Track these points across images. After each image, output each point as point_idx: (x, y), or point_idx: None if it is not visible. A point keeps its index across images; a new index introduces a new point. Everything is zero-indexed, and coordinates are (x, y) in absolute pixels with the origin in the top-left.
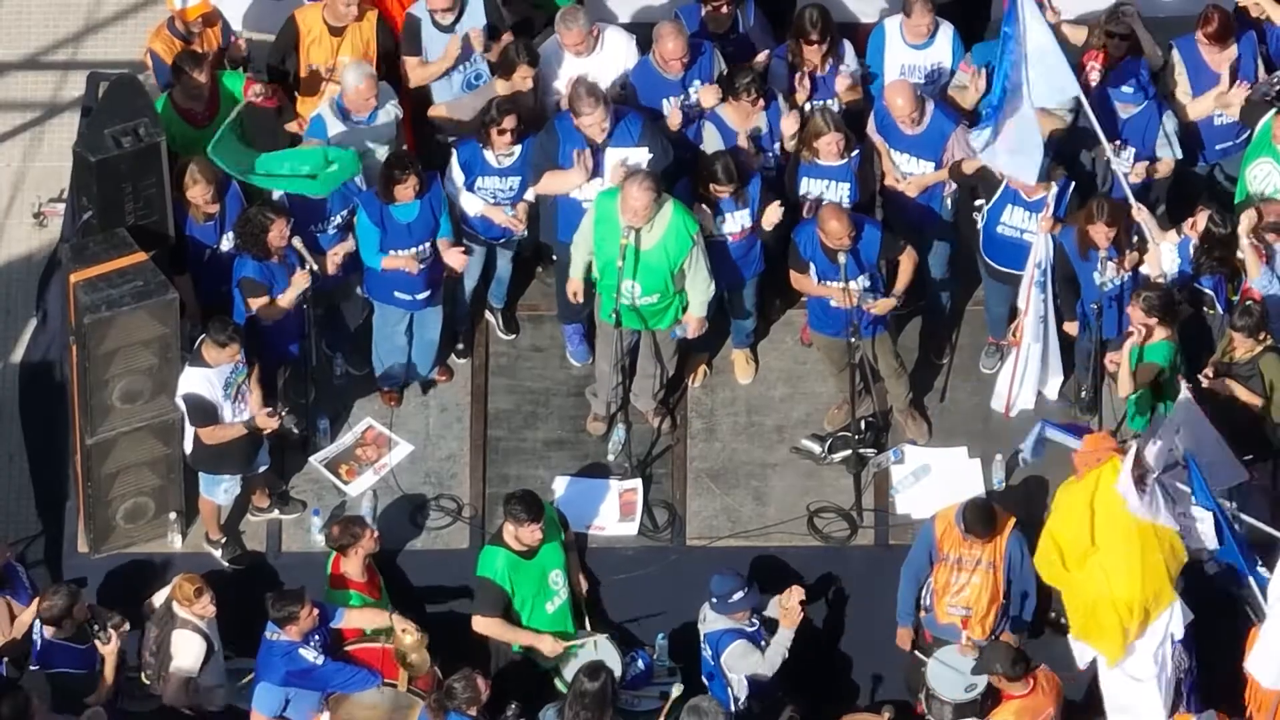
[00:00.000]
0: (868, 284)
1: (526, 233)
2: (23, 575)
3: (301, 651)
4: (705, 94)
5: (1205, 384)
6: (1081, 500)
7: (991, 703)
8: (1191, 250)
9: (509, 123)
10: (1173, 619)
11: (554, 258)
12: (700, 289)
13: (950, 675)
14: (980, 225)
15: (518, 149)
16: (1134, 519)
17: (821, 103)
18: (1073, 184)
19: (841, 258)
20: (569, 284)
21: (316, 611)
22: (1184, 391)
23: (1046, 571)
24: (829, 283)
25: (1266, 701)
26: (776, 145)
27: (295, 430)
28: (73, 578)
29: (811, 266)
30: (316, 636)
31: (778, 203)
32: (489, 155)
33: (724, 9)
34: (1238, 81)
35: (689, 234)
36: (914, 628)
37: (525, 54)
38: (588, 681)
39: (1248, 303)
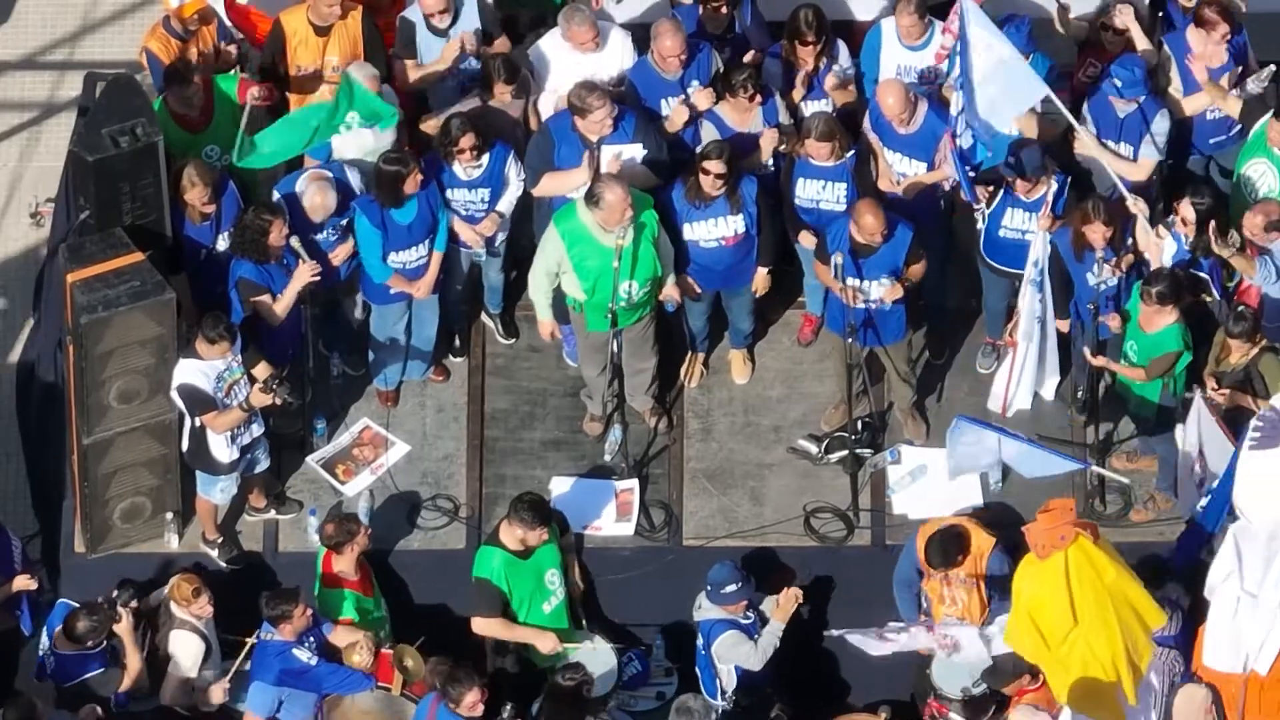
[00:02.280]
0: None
1: (490, 251)
2: (16, 550)
3: (295, 651)
4: (700, 97)
5: (1208, 395)
6: (1055, 581)
7: (999, 700)
8: (1184, 241)
9: (465, 142)
10: (1149, 675)
11: None
12: (669, 255)
13: (955, 674)
14: (981, 227)
15: (485, 159)
16: (1103, 581)
17: (818, 103)
18: (1069, 179)
19: (839, 258)
20: (541, 327)
21: (310, 612)
22: (1199, 404)
23: (1028, 652)
24: (844, 284)
25: (1232, 700)
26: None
27: (290, 400)
28: (70, 578)
29: (834, 261)
30: (311, 638)
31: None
32: (456, 168)
33: (722, 9)
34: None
35: (647, 203)
36: None
37: (504, 72)
38: (562, 681)
39: (1240, 308)
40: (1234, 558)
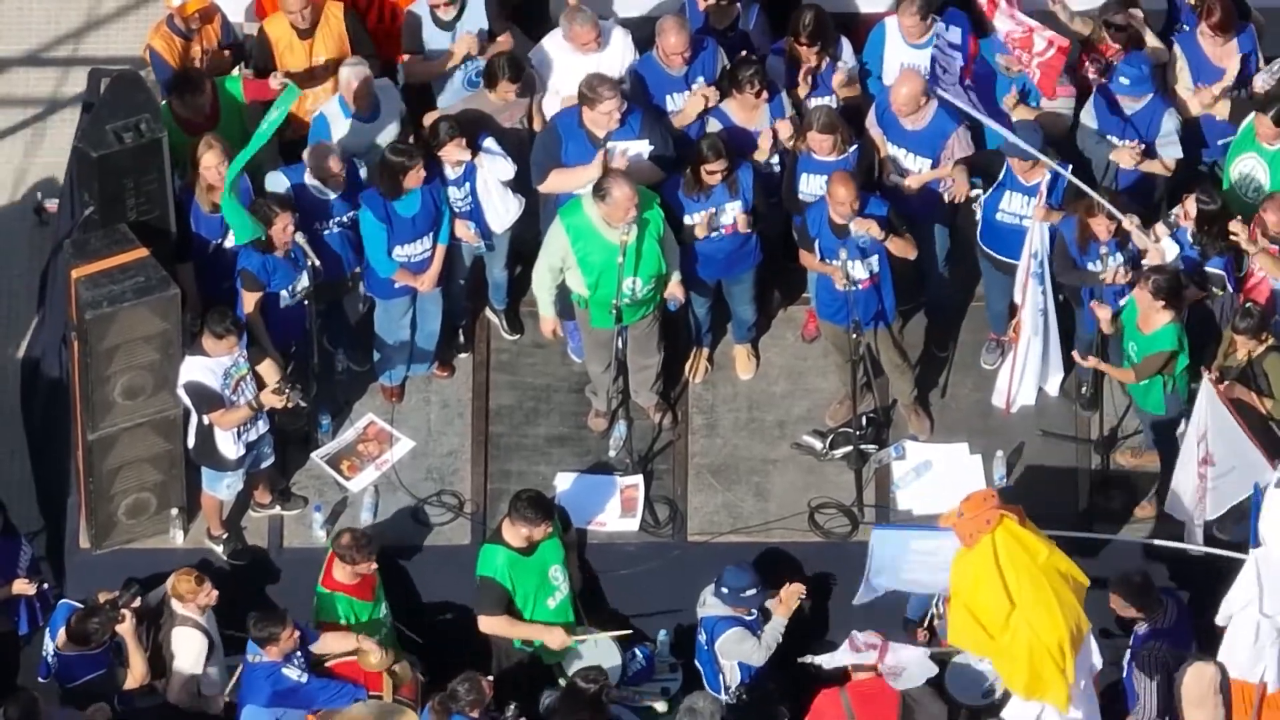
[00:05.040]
0: (875, 269)
1: (487, 244)
2: (24, 555)
3: (285, 671)
4: (692, 101)
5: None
6: (986, 567)
7: None
8: (1190, 236)
9: (452, 147)
10: (1091, 651)
11: None
12: (674, 253)
13: (968, 680)
14: (979, 215)
15: (465, 155)
16: (1037, 562)
17: (822, 100)
18: (1069, 167)
19: (843, 254)
20: (544, 324)
21: (297, 634)
22: (1206, 387)
23: (971, 644)
24: (831, 262)
25: (1247, 703)
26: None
27: (304, 403)
28: (75, 574)
29: (816, 244)
30: (299, 654)
31: (745, 211)
32: (446, 168)
33: (722, 1)
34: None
35: (653, 201)
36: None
37: (508, 70)
38: (582, 684)
39: (1247, 304)
40: (1255, 585)
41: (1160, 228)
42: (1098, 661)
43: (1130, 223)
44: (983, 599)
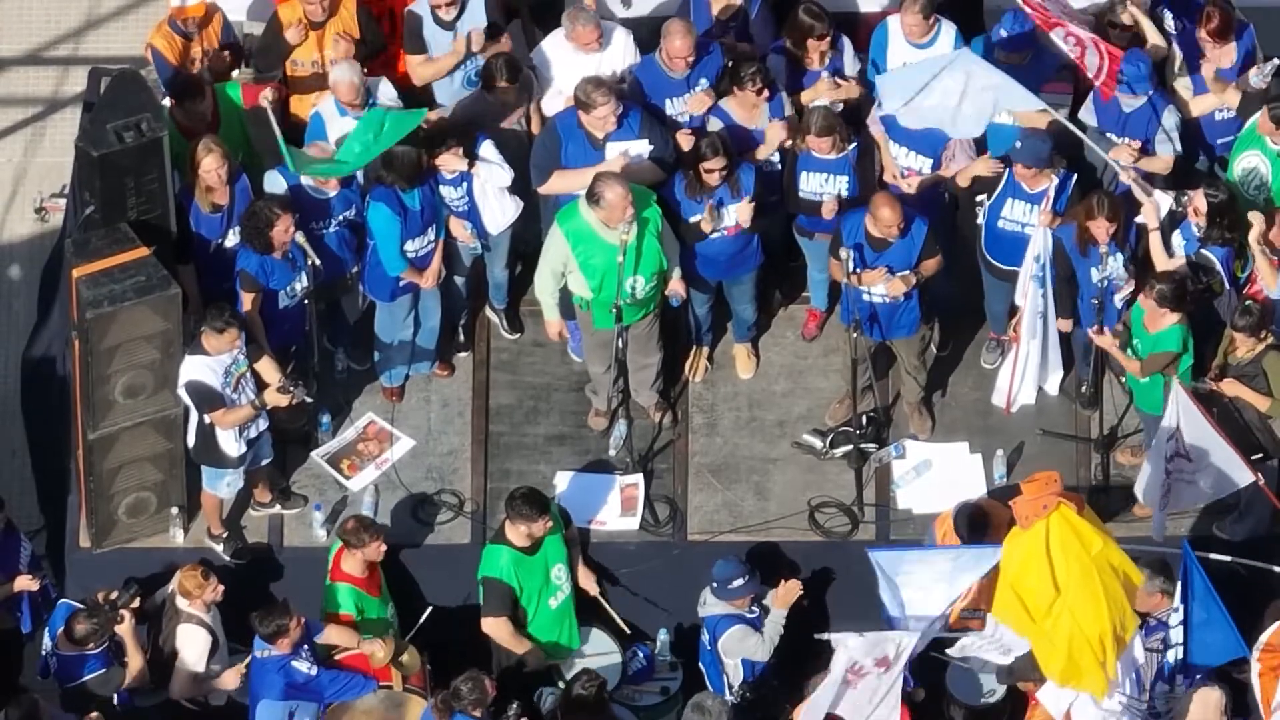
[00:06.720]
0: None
1: (484, 245)
2: (24, 552)
3: (295, 664)
4: (693, 101)
5: (1211, 387)
6: (1037, 550)
7: (1013, 706)
8: (1196, 230)
9: (450, 156)
10: (1134, 647)
11: None
12: (674, 249)
13: (970, 680)
14: (981, 221)
15: (462, 165)
16: (1089, 553)
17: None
18: (1074, 177)
19: (843, 253)
20: (548, 327)
21: (304, 620)
22: (1178, 392)
23: (1013, 623)
24: (856, 271)
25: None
26: None
27: (309, 400)
28: (75, 572)
29: (843, 254)
30: (306, 647)
31: (749, 199)
32: (443, 171)
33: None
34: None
35: (649, 198)
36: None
37: (505, 71)
38: (580, 690)
39: (1247, 302)
40: None
41: (1160, 197)
42: (1140, 655)
43: (1127, 175)
44: (1029, 582)
